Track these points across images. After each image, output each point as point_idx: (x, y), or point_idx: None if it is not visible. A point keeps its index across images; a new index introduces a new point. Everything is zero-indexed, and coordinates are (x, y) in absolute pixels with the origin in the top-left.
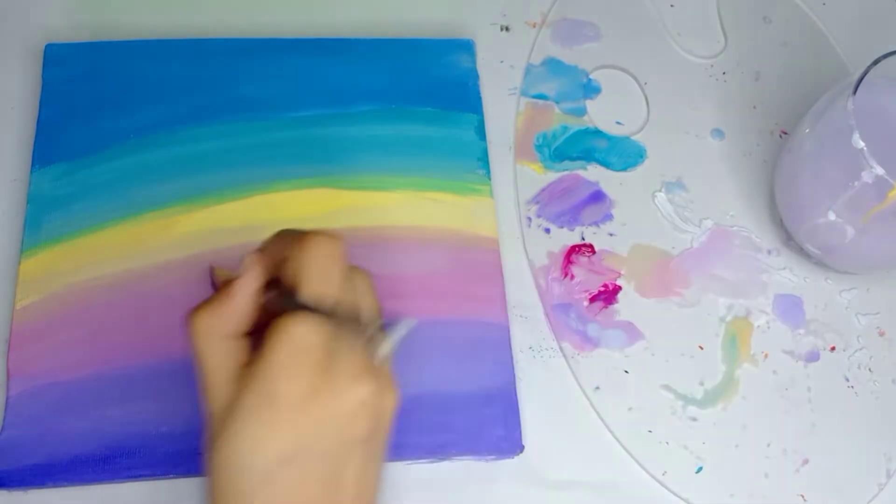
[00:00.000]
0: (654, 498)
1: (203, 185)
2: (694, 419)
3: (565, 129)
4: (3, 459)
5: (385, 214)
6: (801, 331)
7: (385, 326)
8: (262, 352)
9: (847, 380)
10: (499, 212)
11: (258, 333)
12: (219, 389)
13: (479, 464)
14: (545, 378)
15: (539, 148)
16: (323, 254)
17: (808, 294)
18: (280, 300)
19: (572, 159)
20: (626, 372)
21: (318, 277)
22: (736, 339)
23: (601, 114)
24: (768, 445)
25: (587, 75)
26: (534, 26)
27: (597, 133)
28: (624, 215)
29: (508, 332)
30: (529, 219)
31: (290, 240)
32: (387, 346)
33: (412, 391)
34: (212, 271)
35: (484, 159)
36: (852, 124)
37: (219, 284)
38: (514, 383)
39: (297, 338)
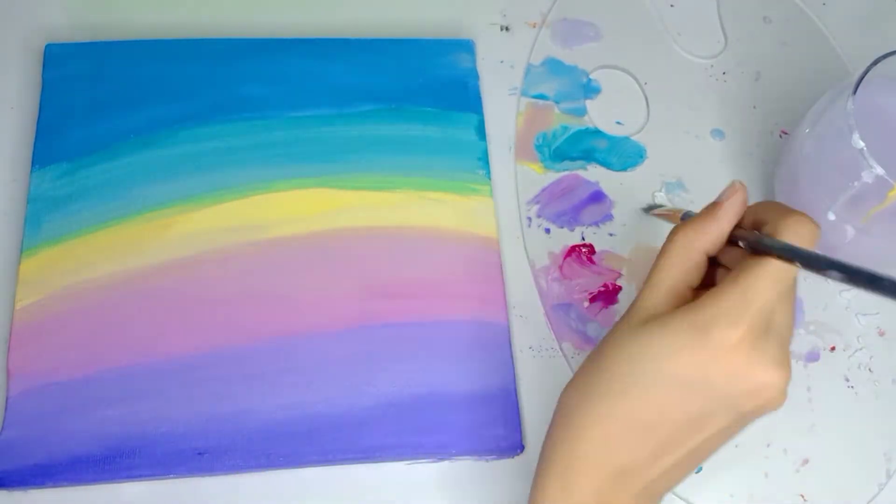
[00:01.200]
0: None
1: (203, 185)
2: None
3: (565, 129)
4: (3, 459)
5: (385, 214)
6: (801, 331)
7: None
8: (721, 282)
9: (847, 380)
10: (499, 212)
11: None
12: (656, 291)
13: (479, 464)
14: (545, 378)
15: (539, 148)
16: (808, 236)
17: (808, 294)
18: (754, 237)
19: (572, 159)
20: None
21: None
22: None
23: (601, 114)
24: (768, 445)
25: (587, 75)
26: (534, 26)
27: (597, 133)
28: (624, 215)
29: (508, 332)
30: (529, 219)
31: (772, 209)
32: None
33: (412, 391)
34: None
35: (484, 159)
36: (852, 124)
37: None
38: (514, 383)
39: (764, 287)
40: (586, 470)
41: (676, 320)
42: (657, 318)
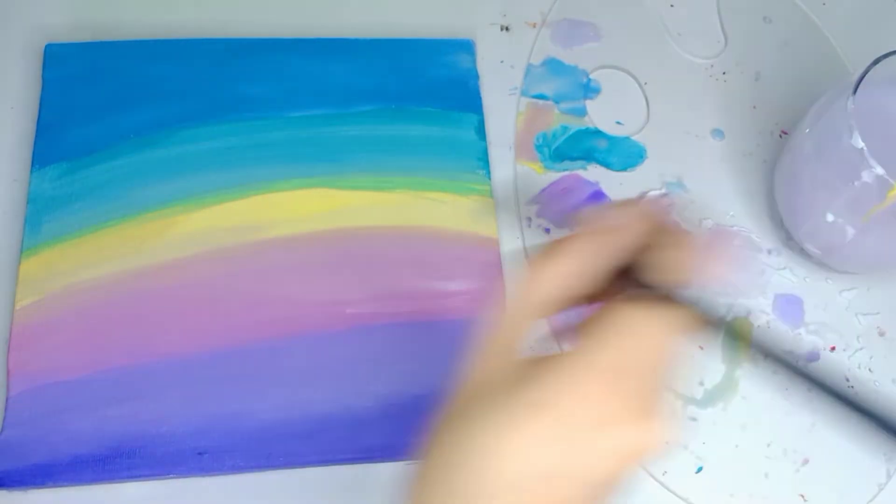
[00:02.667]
0: (654, 498)
1: (203, 185)
2: (694, 419)
3: (565, 129)
4: (3, 459)
5: (385, 215)
6: (801, 331)
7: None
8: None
9: (847, 380)
10: (499, 212)
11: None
12: (486, 359)
13: None
14: None
15: (539, 148)
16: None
17: (808, 294)
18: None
19: (572, 159)
20: None
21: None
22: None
23: (601, 114)
24: (768, 445)
25: (587, 75)
26: (534, 26)
27: (597, 133)
28: None
29: None
30: (529, 219)
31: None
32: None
33: (412, 391)
34: None
35: (484, 159)
36: (852, 124)
37: None
38: None
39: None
40: None
41: None
42: (480, 407)
